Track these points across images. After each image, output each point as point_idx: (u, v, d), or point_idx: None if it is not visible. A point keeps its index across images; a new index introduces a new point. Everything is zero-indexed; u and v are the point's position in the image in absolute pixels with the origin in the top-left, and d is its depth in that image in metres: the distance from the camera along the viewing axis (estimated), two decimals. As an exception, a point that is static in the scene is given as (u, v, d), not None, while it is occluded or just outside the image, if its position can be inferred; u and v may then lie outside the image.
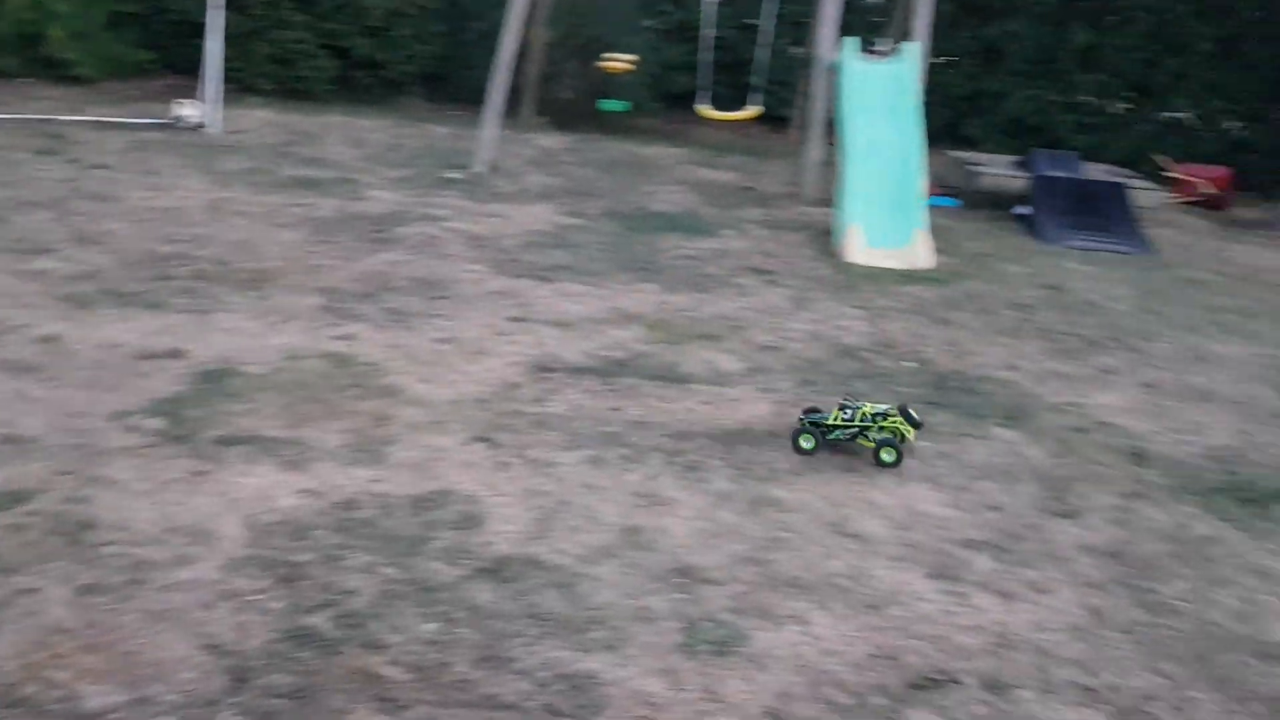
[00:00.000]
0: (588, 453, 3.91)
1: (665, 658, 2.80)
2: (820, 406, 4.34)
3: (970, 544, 3.60)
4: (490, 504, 3.47)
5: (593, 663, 2.75)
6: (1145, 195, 9.53)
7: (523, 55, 10.40)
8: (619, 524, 3.44)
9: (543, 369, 4.67)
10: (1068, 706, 2.81)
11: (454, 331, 5.00)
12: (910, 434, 4.19)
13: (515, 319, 5.27)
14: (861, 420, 4.20)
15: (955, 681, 2.86)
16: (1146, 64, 12.79)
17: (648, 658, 2.79)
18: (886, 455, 4.12)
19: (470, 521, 3.35)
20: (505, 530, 3.32)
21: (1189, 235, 9.37)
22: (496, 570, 3.10)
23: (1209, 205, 10.67)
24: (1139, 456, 4.49)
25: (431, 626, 2.81)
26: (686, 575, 3.19)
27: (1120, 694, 2.89)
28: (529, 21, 10.07)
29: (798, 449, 4.16)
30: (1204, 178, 10.88)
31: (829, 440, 4.20)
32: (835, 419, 4.21)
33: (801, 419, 4.24)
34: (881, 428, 4.18)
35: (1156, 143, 12.67)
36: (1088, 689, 2.90)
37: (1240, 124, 13.02)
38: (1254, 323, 6.81)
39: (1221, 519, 4.00)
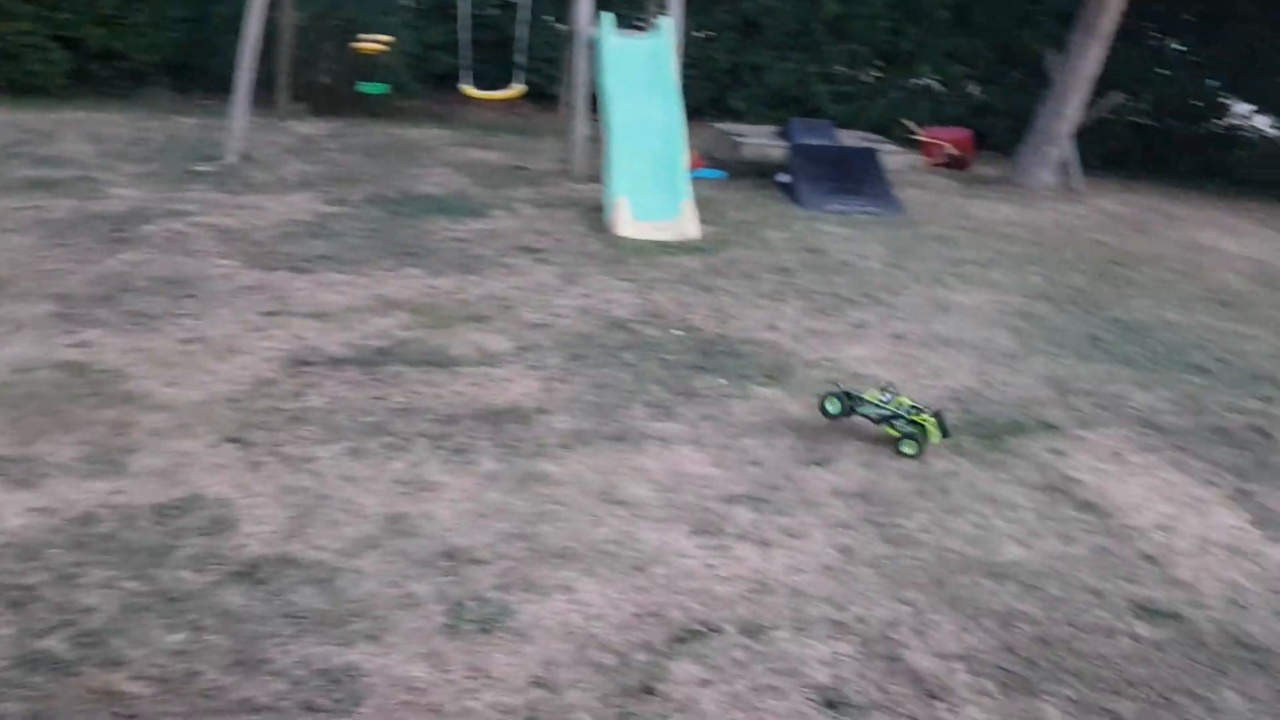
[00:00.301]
0: (348, 445, 3.83)
1: (429, 641, 2.78)
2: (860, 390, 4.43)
3: (732, 499, 3.74)
4: (242, 505, 3.35)
5: (353, 655, 2.71)
6: (896, 159, 10.06)
7: (275, 39, 10.02)
8: (381, 514, 3.39)
9: (300, 363, 4.53)
10: (819, 641, 2.97)
11: (202, 330, 4.78)
12: (936, 438, 4.26)
13: (270, 313, 5.08)
14: (896, 407, 4.30)
15: (716, 630, 2.97)
16: (891, 33, 13.49)
17: (411, 644, 2.77)
18: (908, 447, 4.21)
19: (220, 525, 3.22)
20: (259, 531, 3.21)
21: (935, 194, 9.96)
22: (249, 573, 3.00)
23: (954, 165, 11.37)
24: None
25: (178, 637, 2.70)
26: (452, 558, 3.18)
27: (867, 624, 3.07)
28: (277, 4, 9.70)
29: (822, 410, 4.40)
30: (948, 140, 11.58)
31: (857, 413, 4.35)
32: (872, 398, 4.35)
33: (837, 386, 4.43)
34: (911, 421, 4.26)
35: (906, 108, 13.41)
36: (838, 623, 3.06)
37: (979, 88, 13.92)
38: (991, 272, 7.32)
39: (959, 454, 4.29)
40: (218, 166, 8.20)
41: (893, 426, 4.31)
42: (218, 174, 7.99)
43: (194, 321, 4.89)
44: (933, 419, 4.30)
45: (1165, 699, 2.86)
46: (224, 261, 5.85)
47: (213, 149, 8.58)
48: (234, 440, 3.77)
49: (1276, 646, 3.15)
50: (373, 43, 9.80)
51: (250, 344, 4.69)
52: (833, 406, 4.41)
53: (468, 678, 2.66)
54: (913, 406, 4.34)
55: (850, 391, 4.44)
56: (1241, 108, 14.02)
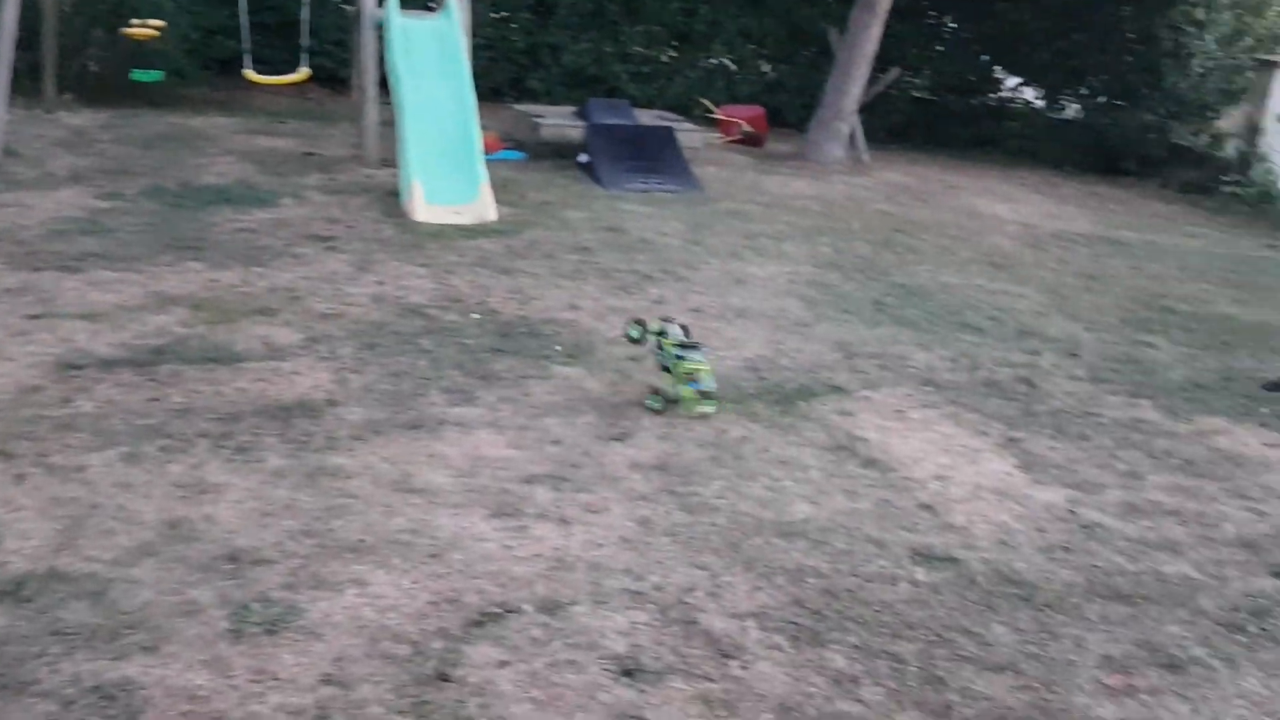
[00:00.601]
0: (122, 450, 3.63)
1: (211, 648, 2.68)
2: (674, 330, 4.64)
3: (531, 479, 3.74)
4: (5, 521, 3.13)
5: (129, 668, 2.58)
6: (693, 137, 10.24)
7: (38, 26, 9.37)
8: (159, 520, 3.23)
9: (69, 367, 4.27)
10: (617, 612, 3.01)
11: (-41, 338, 4.45)
12: (692, 402, 4.39)
13: (35, 316, 4.76)
14: (675, 357, 4.46)
15: (514, 611, 2.97)
16: (685, 13, 13.69)
17: (191, 652, 2.66)
18: (653, 401, 4.42)
19: (-20, 543, 3.02)
20: (23, 547, 3.02)
21: (732, 171, 10.20)
22: (13, 591, 2.81)
23: (749, 142, 11.67)
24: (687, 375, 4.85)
25: (-68, 666, 2.51)
26: (236, 560, 3.06)
27: (664, 591, 3.13)
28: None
29: (627, 336, 4.73)
30: (743, 117, 11.86)
31: (653, 347, 4.62)
32: (668, 345, 4.52)
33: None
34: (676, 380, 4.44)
35: (703, 88, 13.67)
36: (636, 593, 3.11)
37: (771, 67, 14.32)
38: (784, 244, 7.56)
39: (753, 420, 4.43)
40: (-24, 163, 7.62)
41: (669, 373, 4.51)
42: (-24, 171, 7.42)
43: (-54, 330, 4.55)
44: (696, 393, 4.41)
45: (941, 638, 3.03)
46: (-18, 264, 5.45)
47: (-32, 145, 7.97)
48: (-6, 453, 3.53)
49: (1039, 580, 3.39)
50: (144, 28, 9.28)
51: (12, 350, 4.39)
52: (634, 331, 4.70)
53: (253, 681, 2.58)
54: (686, 371, 4.43)
55: (649, 328, 4.66)
56: (1010, 81, 14.91)
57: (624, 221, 7.71)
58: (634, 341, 4.75)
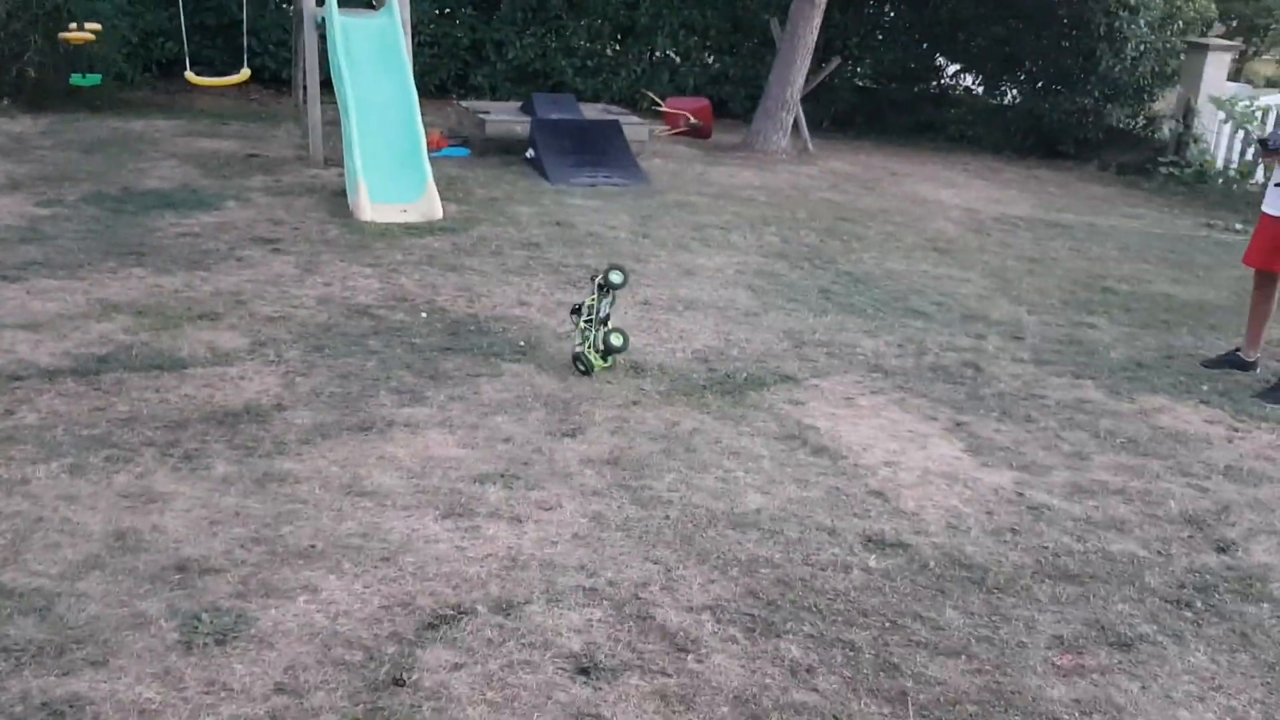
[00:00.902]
0: (67, 461, 3.58)
1: (161, 660, 2.65)
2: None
3: (482, 478, 3.73)
4: (-54, 538, 3.08)
5: (78, 684, 2.54)
6: (639, 129, 10.23)
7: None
8: (105, 531, 3.19)
9: (11, 378, 4.19)
10: (572, 610, 3.02)
11: (-108, 353, 4.35)
12: (595, 359, 4.77)
13: (-27, 328, 4.68)
14: (586, 320, 4.82)
15: (467, 612, 2.96)
16: (628, 7, 13.67)
17: (140, 665, 2.63)
18: (581, 365, 4.77)
19: (-80, 562, 2.96)
20: (-35, 563, 2.97)
21: (678, 163, 10.21)
22: (-44, 609, 2.77)
23: (695, 134, 11.68)
24: (636, 368, 4.87)
25: None
26: (184, 570, 3.03)
27: (618, 587, 3.14)
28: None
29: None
30: (689, 109, 11.87)
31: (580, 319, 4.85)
32: (591, 309, 4.84)
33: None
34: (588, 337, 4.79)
35: (648, 80, 13.65)
36: (590, 590, 3.12)
37: (714, 58, 14.33)
38: (732, 235, 7.59)
39: (704, 412, 4.45)
40: (-95, 171, 7.45)
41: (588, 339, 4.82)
42: (-95, 179, 7.25)
43: (-121, 343, 4.44)
44: (600, 354, 4.78)
45: (894, 624, 3.07)
46: (-86, 275, 5.33)
47: (-102, 152, 7.79)
48: (-68, 469, 3.46)
49: (989, 563, 3.44)
50: (80, 32, 9.09)
51: (-52, 363, 4.30)
52: (617, 276, 4.94)
53: (204, 693, 2.55)
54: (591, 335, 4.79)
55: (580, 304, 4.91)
56: (950, 68, 15.05)
57: (571, 216, 7.70)
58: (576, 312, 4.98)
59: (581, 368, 4.78)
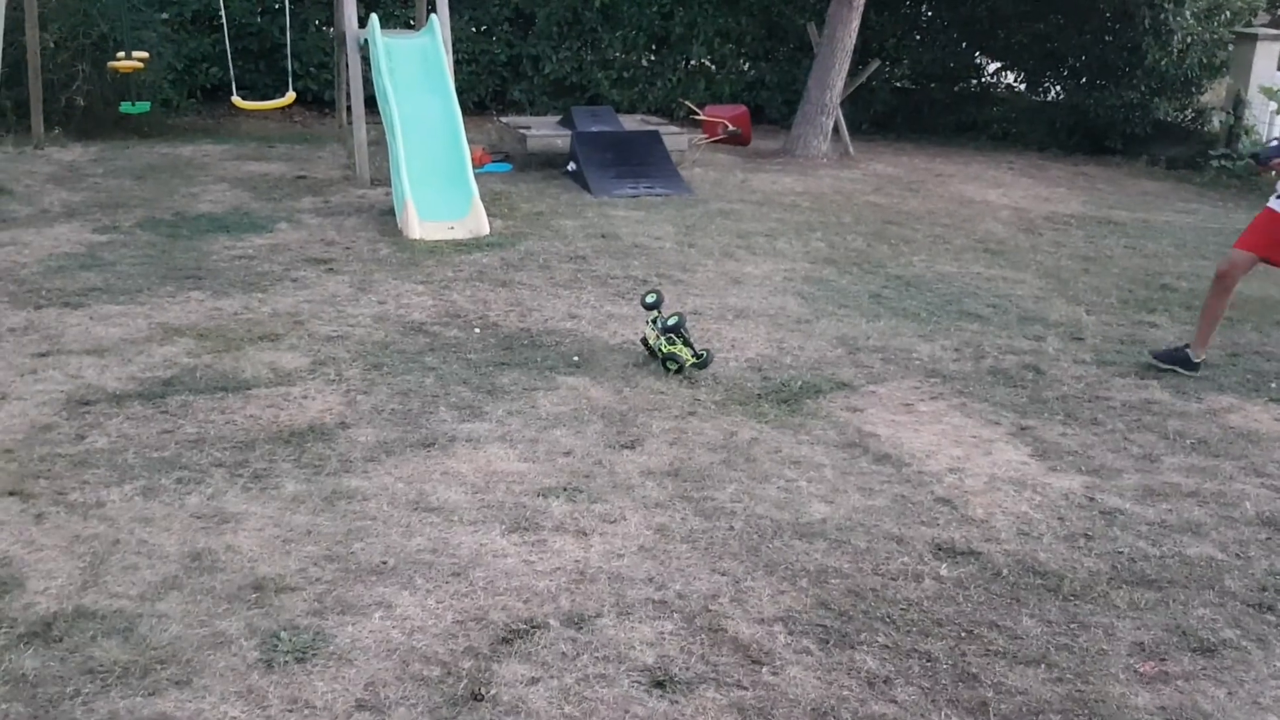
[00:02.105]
0: (139, 483, 3.63)
1: (244, 679, 2.68)
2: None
3: (545, 492, 3.74)
4: (28, 562, 3.13)
5: (164, 703, 2.58)
6: (679, 139, 10.24)
7: (21, 63, 9.34)
8: (181, 552, 3.23)
9: (80, 403, 4.26)
10: (643, 622, 3.01)
11: (-34, 381, 4.44)
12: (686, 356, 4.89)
13: (42, 354, 4.76)
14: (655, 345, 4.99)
15: (540, 626, 2.97)
16: (662, 17, 13.70)
17: (224, 684, 2.66)
18: (671, 364, 4.94)
19: (5, 585, 3.01)
20: (49, 586, 3.02)
21: (719, 171, 10.20)
22: (42, 632, 2.81)
23: (734, 141, 11.67)
24: (691, 379, 4.87)
25: (-35, 713, 2.51)
26: (260, 589, 3.06)
27: (688, 599, 3.14)
28: (20, 26, 9.05)
29: (643, 302, 5.22)
30: (727, 117, 11.86)
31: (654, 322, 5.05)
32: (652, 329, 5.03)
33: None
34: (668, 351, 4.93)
35: (684, 89, 13.67)
36: (660, 602, 3.12)
37: (750, 65, 14.32)
38: (777, 242, 7.56)
39: (761, 421, 4.44)
40: (-33, 202, 7.61)
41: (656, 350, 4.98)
42: (-34, 210, 7.41)
43: (-47, 372, 4.54)
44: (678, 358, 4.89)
45: (970, 633, 3.03)
46: (-16, 304, 5.44)
47: (-39, 184, 7.96)
48: (12, 493, 3.52)
49: (1063, 569, 3.40)
50: (129, 60, 9.26)
51: (23, 388, 4.38)
52: (650, 298, 5.16)
53: (288, 710, 2.58)
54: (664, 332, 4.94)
55: (657, 318, 5.06)
56: (991, 66, 14.93)
57: (616, 228, 7.72)
58: (647, 307, 5.18)
59: (674, 366, 4.92)
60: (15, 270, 6.04)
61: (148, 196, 8.06)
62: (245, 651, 2.79)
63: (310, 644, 2.83)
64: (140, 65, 9.32)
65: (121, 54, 9.31)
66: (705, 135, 11.53)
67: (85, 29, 10.29)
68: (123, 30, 10.13)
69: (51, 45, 9.99)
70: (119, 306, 5.47)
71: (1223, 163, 11.56)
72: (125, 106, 9.58)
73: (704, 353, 4.93)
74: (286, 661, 2.75)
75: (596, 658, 2.85)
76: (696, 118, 12.05)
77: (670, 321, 4.98)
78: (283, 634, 2.86)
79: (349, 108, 9.27)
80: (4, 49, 7.81)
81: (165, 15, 11.42)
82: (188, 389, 4.45)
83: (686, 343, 4.93)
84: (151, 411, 4.23)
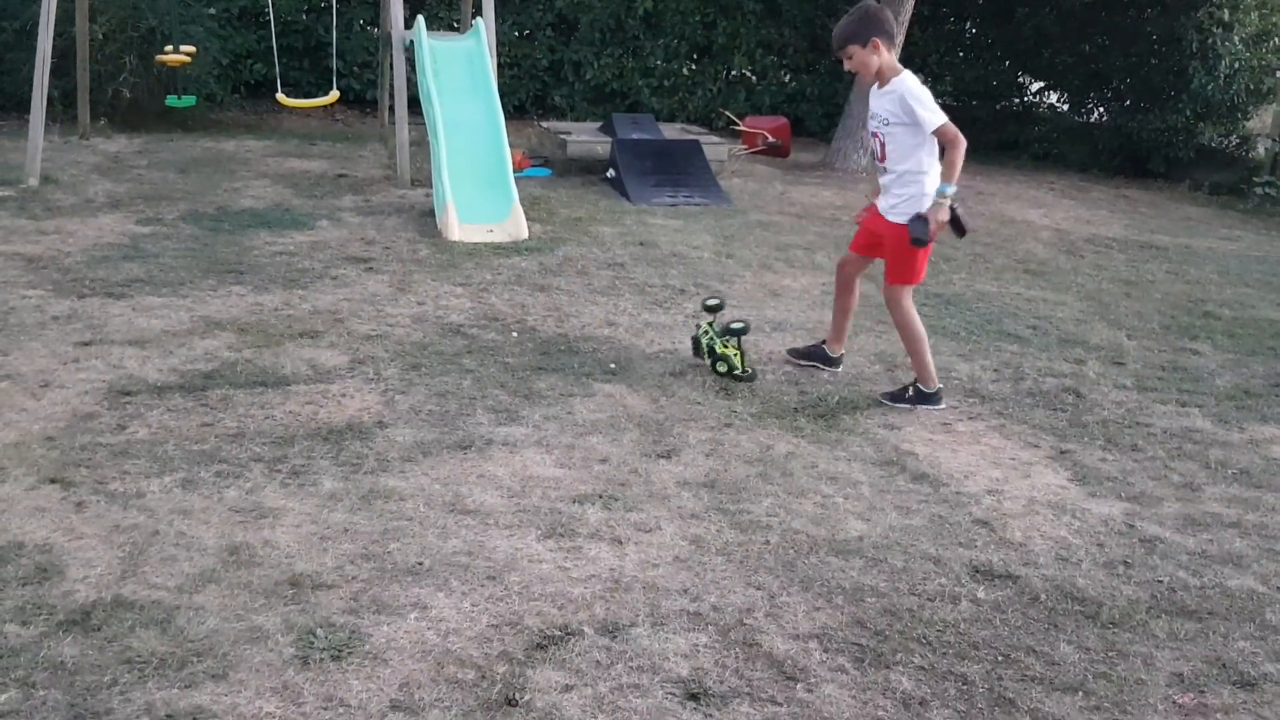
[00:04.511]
0: (179, 476, 3.66)
1: (279, 674, 2.69)
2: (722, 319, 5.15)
3: (581, 499, 3.74)
4: (68, 549, 3.16)
5: (200, 696, 2.59)
6: (718, 149, 10.24)
7: (71, 54, 9.47)
8: (219, 545, 3.25)
9: (122, 393, 4.30)
10: (677, 634, 3.00)
11: (11, 367, 4.49)
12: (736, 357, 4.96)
13: (85, 343, 4.81)
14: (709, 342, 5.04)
15: (575, 633, 2.96)
16: (705, 26, 13.72)
17: (260, 679, 2.67)
18: (721, 366, 4.99)
19: (46, 573, 3.04)
20: (88, 575, 3.04)
21: (758, 182, 10.19)
22: (81, 620, 2.83)
23: (773, 153, 11.66)
24: (727, 390, 4.86)
25: (8, 696, 2.53)
26: (297, 585, 3.07)
27: (722, 612, 3.12)
28: (71, 17, 9.18)
29: (704, 305, 5.30)
30: (766, 128, 11.85)
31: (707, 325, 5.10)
32: (707, 331, 5.08)
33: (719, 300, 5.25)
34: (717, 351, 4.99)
35: (724, 99, 13.68)
36: (694, 614, 3.10)
37: (791, 76, 14.31)
38: (816, 255, 7.54)
39: (798, 435, 4.42)
40: (17, 191, 7.71)
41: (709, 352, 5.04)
42: (18, 199, 7.50)
43: (1, 358, 4.59)
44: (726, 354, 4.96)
45: (1007, 658, 3.00)
46: (31, 292, 5.50)
47: (10, 172, 8.07)
48: (54, 481, 3.56)
49: (1102, 597, 3.36)
50: (177, 54, 9.38)
51: (65, 377, 4.43)
52: (713, 301, 5.24)
53: (323, 708, 2.58)
54: (717, 336, 5.01)
55: (715, 321, 5.12)
56: (1034, 85, 14.85)
57: (655, 236, 7.72)
58: (708, 309, 5.26)
59: (723, 368, 4.98)
60: (60, 259, 6.11)
61: (191, 190, 8.14)
62: (281, 647, 2.80)
63: (346, 642, 2.83)
64: (187, 59, 9.43)
65: (169, 48, 9.44)
66: (745, 146, 11.52)
67: (134, 22, 10.43)
68: (171, 24, 10.26)
69: (100, 37, 10.13)
70: (161, 298, 5.52)
71: (1267, 190, 11.43)
72: (171, 100, 9.70)
73: (752, 369, 4.95)
74: (322, 659, 2.76)
75: (630, 667, 2.84)
76: (736, 128, 12.05)
77: (735, 325, 4.98)
78: (319, 631, 2.87)
79: (392, 107, 9.35)
80: (53, 39, 7.89)
81: (212, 10, 11.55)
82: (228, 383, 4.49)
83: (741, 352, 4.94)
84: (192, 404, 4.26)
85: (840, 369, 5.24)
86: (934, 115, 4.53)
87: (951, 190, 4.51)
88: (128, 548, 3.20)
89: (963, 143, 4.47)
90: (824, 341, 5.28)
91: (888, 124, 4.67)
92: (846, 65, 4.70)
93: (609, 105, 13.20)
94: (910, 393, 4.83)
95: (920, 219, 4.59)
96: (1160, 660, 3.03)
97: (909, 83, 4.61)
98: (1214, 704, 2.86)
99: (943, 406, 4.80)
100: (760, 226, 8.31)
